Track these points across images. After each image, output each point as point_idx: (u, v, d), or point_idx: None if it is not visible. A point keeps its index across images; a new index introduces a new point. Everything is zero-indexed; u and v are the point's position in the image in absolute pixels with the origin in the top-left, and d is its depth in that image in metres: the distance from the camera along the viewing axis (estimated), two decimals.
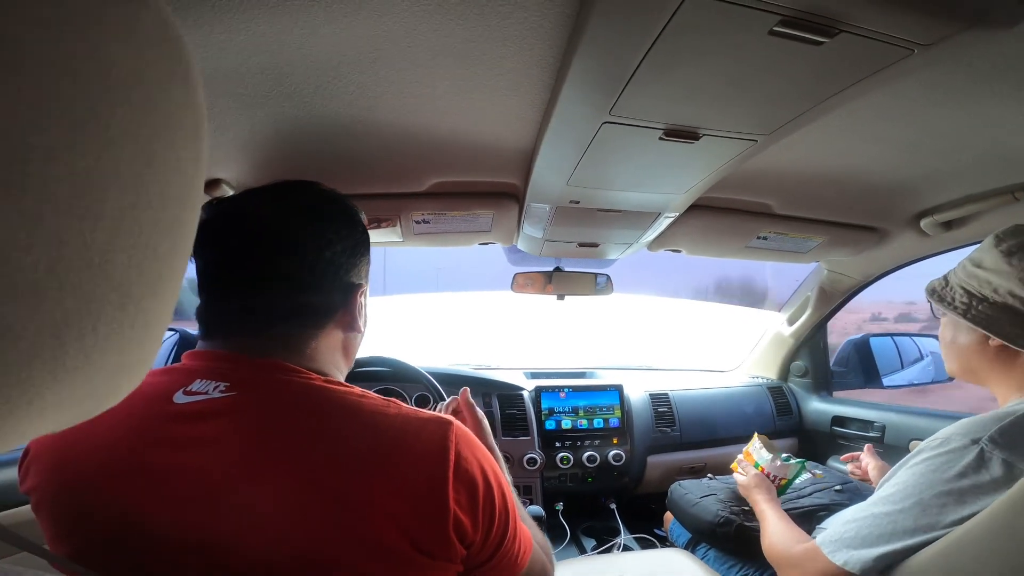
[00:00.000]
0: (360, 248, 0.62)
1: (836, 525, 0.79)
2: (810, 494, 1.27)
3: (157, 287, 0.21)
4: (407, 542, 0.45)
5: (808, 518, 1.15)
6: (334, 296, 0.58)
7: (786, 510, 1.19)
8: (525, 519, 0.74)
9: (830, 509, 1.17)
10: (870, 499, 0.78)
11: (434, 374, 1.25)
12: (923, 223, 1.22)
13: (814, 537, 0.83)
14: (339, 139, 0.86)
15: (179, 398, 0.50)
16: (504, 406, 1.66)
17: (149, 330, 0.21)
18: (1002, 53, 0.62)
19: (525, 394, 1.71)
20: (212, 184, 0.92)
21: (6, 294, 0.15)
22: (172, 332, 2.05)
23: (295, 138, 0.84)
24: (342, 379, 0.62)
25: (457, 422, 0.52)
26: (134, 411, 0.50)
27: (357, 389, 0.54)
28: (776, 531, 0.96)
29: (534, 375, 1.89)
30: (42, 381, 0.17)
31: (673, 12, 0.49)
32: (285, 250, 0.55)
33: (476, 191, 1.09)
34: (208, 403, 0.49)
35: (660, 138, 0.76)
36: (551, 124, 0.76)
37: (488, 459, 0.53)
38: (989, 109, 0.77)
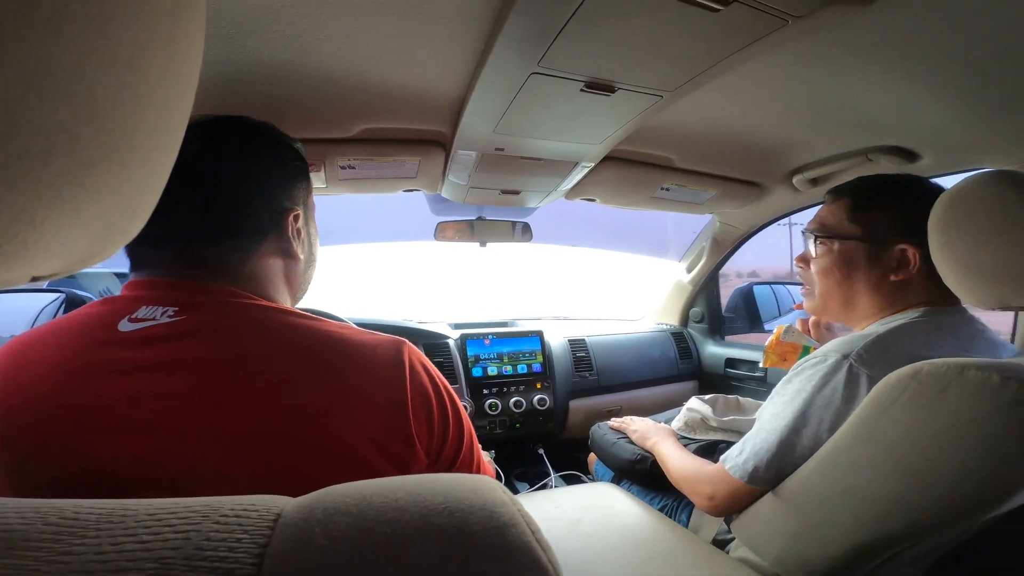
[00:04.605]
0: (291, 173, 0.63)
1: (736, 445, 0.84)
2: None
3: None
4: (380, 453, 0.48)
5: (711, 450, 1.16)
6: (261, 217, 0.59)
7: (687, 447, 1.16)
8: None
9: (730, 441, 1.15)
10: (763, 416, 0.82)
11: (360, 324, 1.27)
12: (795, 180, 1.40)
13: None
14: (268, 82, 0.83)
15: (124, 326, 0.49)
16: (431, 355, 1.70)
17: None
18: (860, 29, 0.71)
19: (451, 342, 1.76)
20: None
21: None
22: (59, 294, 1.87)
23: (218, 79, 0.80)
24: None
25: (407, 341, 0.56)
26: (76, 343, 0.49)
27: (307, 314, 0.55)
28: (679, 465, 0.99)
29: (458, 326, 1.94)
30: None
31: None
32: (209, 176, 0.55)
33: (404, 138, 1.10)
34: (157, 328, 0.48)
35: (581, 90, 0.82)
36: (483, 73, 0.79)
37: (438, 376, 0.58)
38: (848, 80, 0.88)
